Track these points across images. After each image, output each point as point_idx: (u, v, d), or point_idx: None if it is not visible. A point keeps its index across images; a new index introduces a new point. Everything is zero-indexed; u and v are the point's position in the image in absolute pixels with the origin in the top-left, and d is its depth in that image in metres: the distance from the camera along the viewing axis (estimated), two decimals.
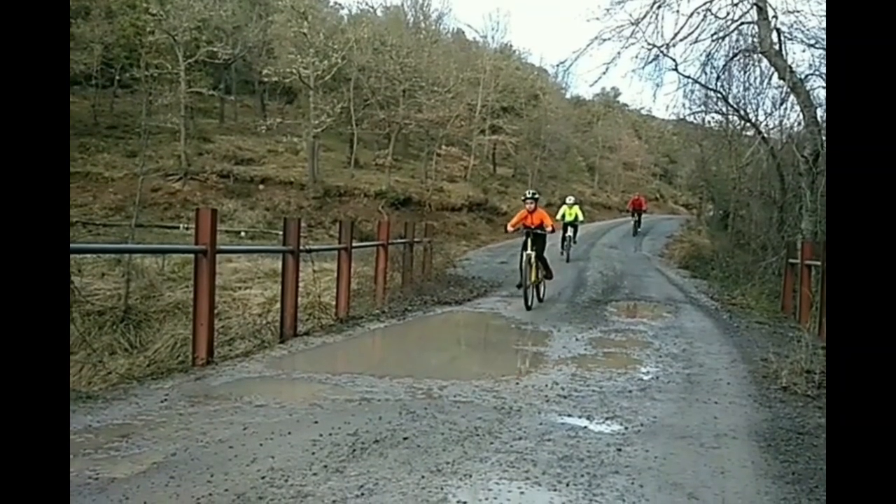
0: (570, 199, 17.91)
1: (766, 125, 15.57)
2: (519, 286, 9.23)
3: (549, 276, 9.90)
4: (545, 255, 9.58)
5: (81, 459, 2.92)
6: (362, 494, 2.64)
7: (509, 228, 9.73)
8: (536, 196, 9.55)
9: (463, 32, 38.91)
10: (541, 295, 9.69)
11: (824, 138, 10.11)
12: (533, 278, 9.10)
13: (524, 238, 9.25)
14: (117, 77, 28.60)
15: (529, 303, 8.89)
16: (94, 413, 3.69)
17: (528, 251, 9.07)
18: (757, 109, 15.93)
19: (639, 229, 24.98)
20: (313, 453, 3.11)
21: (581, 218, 17.46)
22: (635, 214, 25.33)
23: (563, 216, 17.01)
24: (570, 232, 17.00)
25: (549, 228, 9.24)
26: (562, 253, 16.35)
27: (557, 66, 46.93)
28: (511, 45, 40.38)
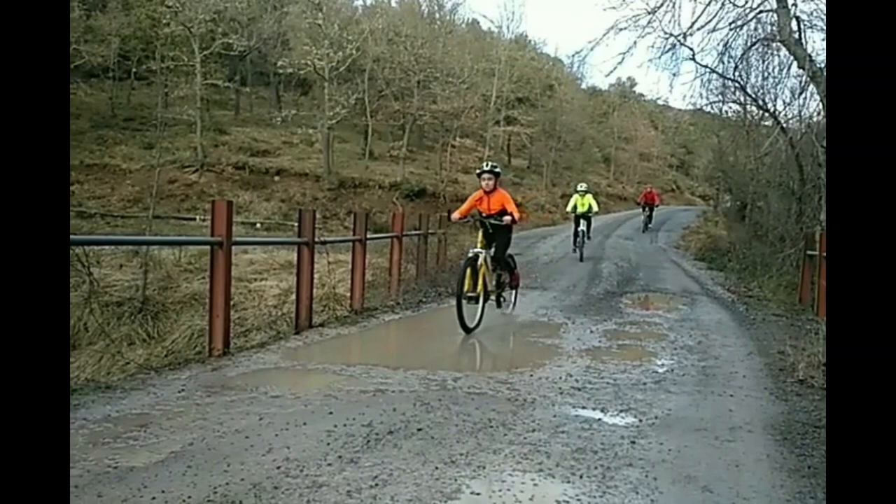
0: (581, 186, 15.54)
1: (785, 115, 15.38)
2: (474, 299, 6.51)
3: (513, 282, 7.42)
4: (508, 254, 7.21)
5: (101, 448, 2.97)
6: (376, 485, 2.66)
7: (455, 217, 7.01)
8: (497, 170, 6.91)
9: (478, 23, 38.94)
10: (506, 308, 7.46)
11: None
12: (480, 287, 6.52)
13: (478, 231, 6.86)
14: (134, 69, 28.87)
15: (469, 323, 6.36)
16: (113, 403, 3.74)
17: (478, 248, 6.63)
18: (776, 99, 15.74)
19: (649, 225, 23.03)
20: (328, 444, 3.13)
21: (595, 209, 15.22)
22: (646, 209, 23.15)
23: (575, 207, 14.95)
24: (582, 226, 14.83)
25: (510, 218, 6.65)
26: (574, 250, 15.04)
27: (573, 56, 46.88)
28: (526, 36, 40.33)
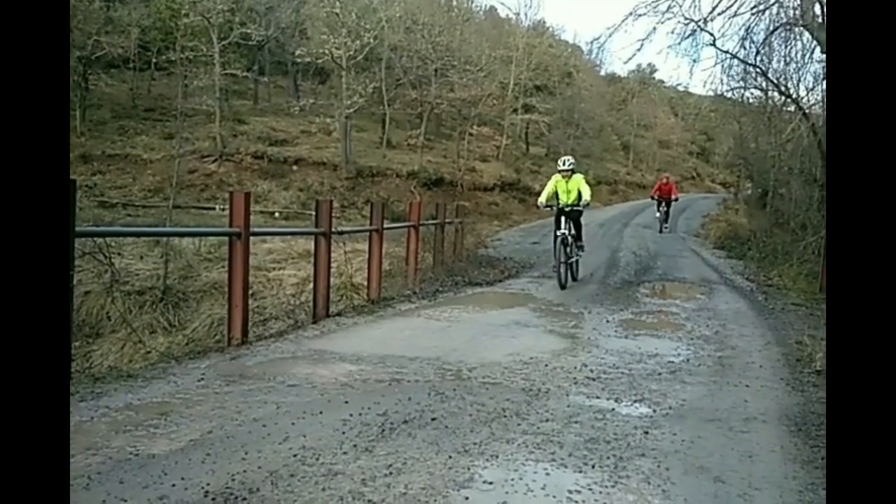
0: (565, 162, 9.26)
1: (808, 101, 15.11)
2: None
3: None
4: None
5: (122, 436, 3.04)
6: (391, 473, 2.71)
7: None
8: None
9: (495, 10, 38.76)
10: None
11: None
12: None
13: None
14: (154, 60, 29.08)
15: None
16: (135, 391, 3.82)
17: None
18: (798, 84, 15.52)
19: (665, 225, 18.96)
20: (343, 433, 3.18)
21: (587, 198, 9.03)
22: (662, 204, 18.88)
23: (555, 196, 9.22)
24: (566, 227, 8.98)
25: None
26: (555, 268, 9.03)
27: (591, 42, 46.34)
28: (544, 22, 39.89)
